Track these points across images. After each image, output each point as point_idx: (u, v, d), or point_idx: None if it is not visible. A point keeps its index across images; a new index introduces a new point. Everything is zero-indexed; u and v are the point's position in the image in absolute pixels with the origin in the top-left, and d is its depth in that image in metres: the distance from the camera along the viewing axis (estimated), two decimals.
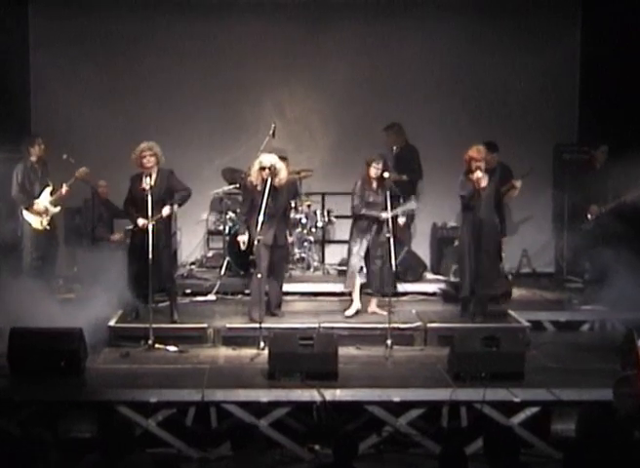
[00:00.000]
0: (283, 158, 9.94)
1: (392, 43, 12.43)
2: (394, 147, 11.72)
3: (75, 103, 11.85)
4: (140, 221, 9.19)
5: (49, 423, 7.49)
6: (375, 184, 9.62)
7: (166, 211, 9.30)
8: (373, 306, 9.82)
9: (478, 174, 9.42)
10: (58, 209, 10.53)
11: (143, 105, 12.28)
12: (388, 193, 9.33)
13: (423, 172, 11.83)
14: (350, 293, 9.86)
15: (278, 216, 9.54)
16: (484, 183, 9.49)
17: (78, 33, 12.12)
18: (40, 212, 10.34)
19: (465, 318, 9.60)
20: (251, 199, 9.53)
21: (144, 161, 9.19)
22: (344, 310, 9.81)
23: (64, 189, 10.39)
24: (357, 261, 9.64)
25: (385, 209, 9.30)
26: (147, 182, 9.08)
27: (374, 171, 9.57)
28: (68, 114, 11.91)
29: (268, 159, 9.45)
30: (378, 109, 12.26)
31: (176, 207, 9.50)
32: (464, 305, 9.71)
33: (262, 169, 9.38)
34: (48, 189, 10.43)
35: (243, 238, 9.55)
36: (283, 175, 9.52)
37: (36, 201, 10.32)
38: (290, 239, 9.92)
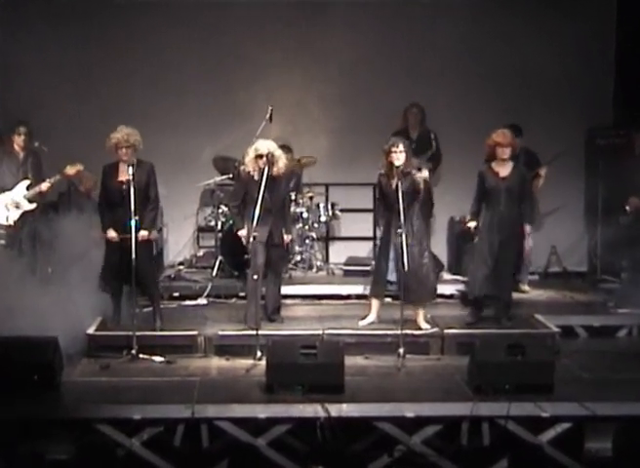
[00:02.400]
0: (286, 148, 9.89)
1: (402, 16, 12.42)
2: (413, 132, 11.65)
3: (47, 86, 11.85)
4: (110, 234, 9.25)
5: (20, 444, 7.48)
6: (396, 176, 9.28)
7: (154, 235, 9.43)
8: (420, 320, 9.57)
9: (470, 224, 9.56)
10: (33, 206, 10.51)
11: (126, 88, 12.28)
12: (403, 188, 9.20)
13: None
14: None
15: (275, 211, 9.50)
16: (505, 173, 9.50)
17: (51, 8, 12.10)
18: (7, 205, 10.33)
19: (473, 322, 9.62)
20: (244, 190, 9.52)
21: (121, 153, 9.18)
22: (361, 319, 9.70)
23: (45, 185, 10.38)
24: (383, 265, 9.57)
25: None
26: (126, 170, 9.06)
27: (395, 156, 9.27)
28: (40, 98, 11.87)
29: (265, 145, 9.44)
30: (386, 90, 12.27)
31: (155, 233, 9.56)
32: (476, 308, 9.71)
33: (259, 157, 9.36)
34: (24, 183, 10.42)
35: (244, 233, 9.47)
36: (282, 163, 9.50)
37: (5, 193, 10.31)
38: (286, 237, 9.77)
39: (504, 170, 9.56)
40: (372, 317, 9.65)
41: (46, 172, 10.55)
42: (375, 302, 9.67)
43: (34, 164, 10.54)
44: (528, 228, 10.61)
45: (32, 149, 10.57)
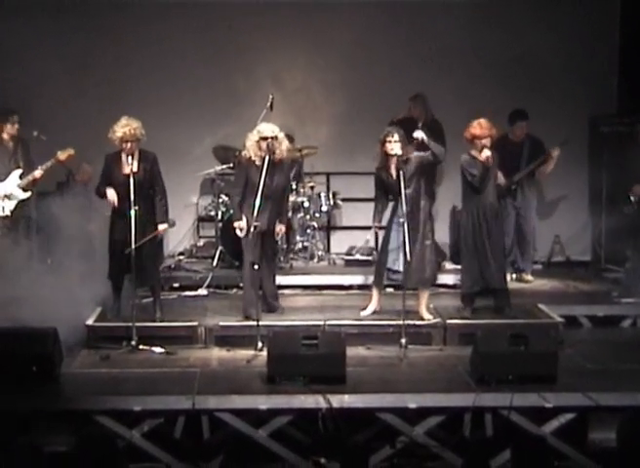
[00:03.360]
0: (288, 136, 9.83)
1: (406, 4, 12.39)
2: (419, 121, 11.65)
3: (45, 75, 11.83)
4: (110, 193, 9.21)
5: (20, 436, 7.48)
6: (393, 165, 9.35)
7: (162, 227, 9.42)
8: (422, 310, 9.55)
9: (486, 152, 9.34)
10: (27, 194, 10.50)
11: (125, 76, 12.28)
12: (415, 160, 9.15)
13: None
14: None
15: (274, 198, 9.41)
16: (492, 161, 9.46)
17: None
18: (1, 196, 10.32)
19: (467, 313, 9.62)
20: (245, 177, 9.42)
21: (126, 146, 9.15)
22: (362, 309, 9.71)
23: (38, 173, 10.37)
24: (384, 255, 9.54)
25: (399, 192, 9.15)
26: (130, 163, 9.06)
27: (390, 146, 9.30)
28: (37, 87, 11.86)
29: (270, 128, 9.34)
30: (389, 79, 12.28)
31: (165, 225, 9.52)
32: (468, 301, 9.72)
33: (262, 139, 9.26)
34: (17, 172, 10.42)
35: (240, 224, 9.42)
36: (284, 146, 9.41)
37: None
38: (279, 227, 9.63)
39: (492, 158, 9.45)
40: (372, 307, 9.65)
41: (39, 159, 10.51)
42: (375, 292, 9.67)
43: (24, 153, 10.53)
44: (532, 214, 10.64)
45: (21, 138, 10.54)
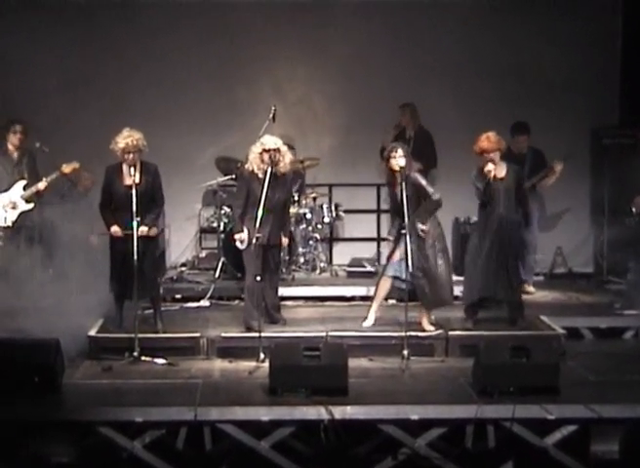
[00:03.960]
0: (289, 147, 9.86)
1: (405, 15, 12.44)
2: (408, 130, 11.73)
3: (47, 87, 11.87)
4: (114, 229, 9.23)
5: (21, 446, 7.49)
6: (398, 179, 9.27)
7: (154, 231, 9.35)
8: (425, 322, 9.56)
9: (489, 166, 9.35)
10: (30, 206, 10.51)
11: (127, 87, 12.32)
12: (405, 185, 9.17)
13: (443, 160, 11.85)
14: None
15: (276, 211, 9.41)
16: (501, 173, 9.47)
17: (51, 8, 12.11)
18: (5, 206, 10.34)
19: (469, 325, 9.65)
20: (247, 189, 9.42)
21: (128, 157, 9.16)
22: (363, 320, 9.72)
23: (42, 185, 10.38)
24: (389, 265, 9.52)
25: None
26: (132, 173, 9.07)
27: (395, 162, 9.26)
28: (40, 98, 11.89)
29: (273, 141, 9.36)
30: (390, 88, 12.31)
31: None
32: (472, 312, 9.74)
33: (266, 151, 9.27)
34: (21, 183, 10.44)
35: (241, 236, 9.40)
36: (287, 159, 9.42)
37: (2, 194, 10.32)
38: (285, 240, 9.73)
39: (500, 171, 9.50)
40: (371, 318, 9.65)
41: (41, 171, 10.53)
42: (375, 303, 9.68)
43: (29, 163, 10.54)
44: (534, 226, 10.66)
45: (27, 148, 10.56)
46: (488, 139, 9.41)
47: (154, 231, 9.36)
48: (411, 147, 11.19)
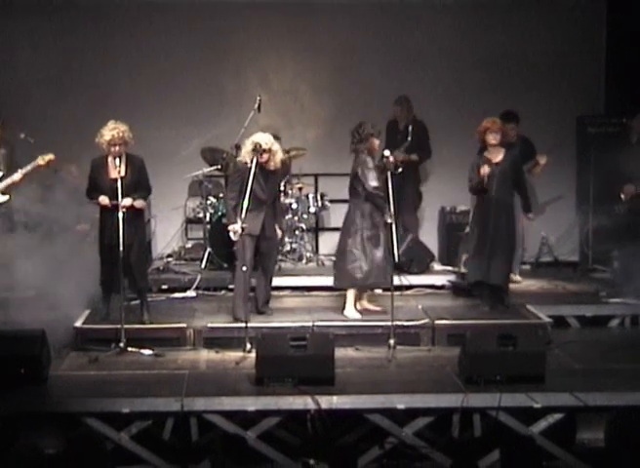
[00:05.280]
0: (275, 137, 9.86)
1: (395, 6, 12.43)
2: (401, 123, 11.71)
3: (33, 75, 11.81)
4: (102, 198, 9.16)
5: (7, 438, 7.47)
6: (382, 163, 9.41)
7: (139, 203, 9.27)
8: (365, 302, 9.81)
9: (485, 169, 9.52)
10: (6, 197, 10.41)
11: (112, 79, 12.26)
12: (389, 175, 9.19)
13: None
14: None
15: (268, 204, 9.50)
16: (497, 158, 9.59)
17: (37, 1, 12.07)
18: None
19: (483, 306, 9.72)
20: (242, 182, 9.40)
21: (113, 150, 9.14)
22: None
23: (18, 176, 10.24)
24: (360, 254, 9.55)
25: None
26: (117, 165, 9.04)
27: (378, 143, 9.48)
28: (25, 87, 11.83)
29: (265, 139, 9.38)
30: (378, 79, 12.29)
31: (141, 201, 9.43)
32: (478, 292, 9.85)
33: (256, 149, 9.31)
34: None
35: (235, 227, 9.35)
36: (278, 158, 9.50)
37: None
38: (279, 231, 9.82)
39: (497, 156, 9.66)
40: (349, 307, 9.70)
41: (26, 162, 10.45)
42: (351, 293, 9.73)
43: (7, 155, 10.45)
44: (529, 215, 10.71)
45: (6, 140, 10.47)
46: (493, 121, 9.67)
47: (140, 203, 9.29)
48: (407, 140, 11.30)
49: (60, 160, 10.63)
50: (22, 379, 7.94)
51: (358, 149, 9.49)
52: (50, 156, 10.27)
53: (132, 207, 9.16)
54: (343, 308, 9.67)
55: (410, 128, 11.58)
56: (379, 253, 9.43)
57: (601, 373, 8.32)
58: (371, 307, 9.78)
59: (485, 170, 9.53)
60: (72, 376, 8.39)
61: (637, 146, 10.85)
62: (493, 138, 9.62)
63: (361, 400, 7.80)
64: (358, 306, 9.70)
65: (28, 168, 10.30)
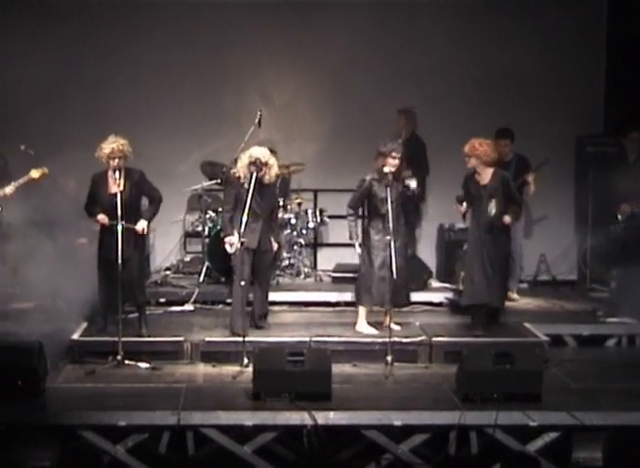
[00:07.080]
0: (272, 151, 9.90)
1: (395, 20, 12.45)
2: (402, 134, 11.71)
3: (33, 88, 11.82)
4: (100, 216, 9.21)
5: (3, 451, 7.46)
6: (385, 181, 9.32)
7: (141, 225, 9.31)
8: (387, 319, 9.52)
9: (460, 209, 9.64)
10: None
11: (111, 91, 12.27)
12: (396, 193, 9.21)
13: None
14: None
15: (264, 217, 9.53)
16: (485, 180, 9.57)
17: (34, 10, 12.08)
18: None
19: (476, 330, 9.64)
20: (236, 195, 9.48)
21: (112, 163, 9.17)
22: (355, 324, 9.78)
23: (9, 189, 10.20)
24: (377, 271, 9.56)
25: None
26: (117, 179, 9.07)
27: (391, 162, 9.38)
28: (25, 100, 11.83)
29: (262, 154, 9.42)
30: (376, 95, 12.31)
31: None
32: (472, 314, 9.80)
33: (253, 163, 9.34)
34: None
35: (231, 239, 9.43)
36: (274, 172, 9.53)
37: None
38: (275, 245, 9.81)
39: (485, 177, 9.61)
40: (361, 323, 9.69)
41: (13, 175, 10.45)
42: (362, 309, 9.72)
43: (1, 167, 10.45)
44: (519, 233, 10.70)
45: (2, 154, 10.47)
46: (468, 144, 9.56)
47: (141, 224, 9.32)
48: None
49: (58, 175, 10.66)
50: (19, 391, 7.92)
51: (373, 167, 9.50)
52: (43, 169, 10.28)
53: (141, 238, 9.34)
54: (355, 323, 9.67)
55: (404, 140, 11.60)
56: (382, 273, 9.43)
57: (598, 393, 8.33)
58: (395, 327, 9.53)
59: (460, 209, 9.61)
60: (69, 389, 8.39)
61: (635, 166, 10.89)
62: (469, 164, 9.58)
63: (358, 416, 7.80)
64: (385, 323, 9.54)
65: (21, 181, 10.28)
